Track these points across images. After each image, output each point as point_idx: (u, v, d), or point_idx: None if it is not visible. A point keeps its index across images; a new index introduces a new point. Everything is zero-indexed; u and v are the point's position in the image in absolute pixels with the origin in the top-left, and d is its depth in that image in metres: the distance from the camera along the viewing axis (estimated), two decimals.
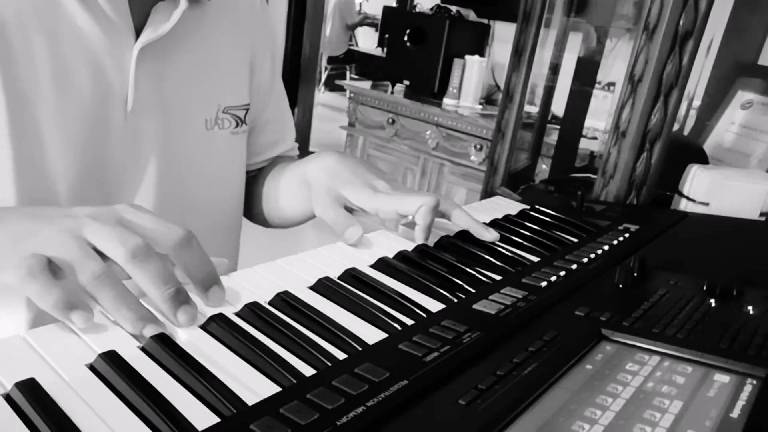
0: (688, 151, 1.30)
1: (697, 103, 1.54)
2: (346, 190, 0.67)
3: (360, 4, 6.53)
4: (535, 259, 0.65)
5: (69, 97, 0.58)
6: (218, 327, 0.44)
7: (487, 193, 1.37)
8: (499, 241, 0.69)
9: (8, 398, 0.35)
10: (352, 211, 0.68)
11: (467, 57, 2.44)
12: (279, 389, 0.38)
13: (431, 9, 2.72)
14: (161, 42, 0.62)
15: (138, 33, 0.61)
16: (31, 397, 0.34)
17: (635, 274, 0.59)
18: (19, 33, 0.55)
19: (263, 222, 0.85)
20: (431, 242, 0.67)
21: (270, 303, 0.49)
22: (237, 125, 0.72)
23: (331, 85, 5.82)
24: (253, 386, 0.38)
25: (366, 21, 6.47)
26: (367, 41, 6.63)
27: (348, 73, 6.18)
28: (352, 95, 2.72)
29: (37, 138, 0.57)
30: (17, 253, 0.42)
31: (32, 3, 0.55)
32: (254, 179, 0.83)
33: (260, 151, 0.82)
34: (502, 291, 0.55)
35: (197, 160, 0.69)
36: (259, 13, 0.77)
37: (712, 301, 0.55)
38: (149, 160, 0.65)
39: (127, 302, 0.42)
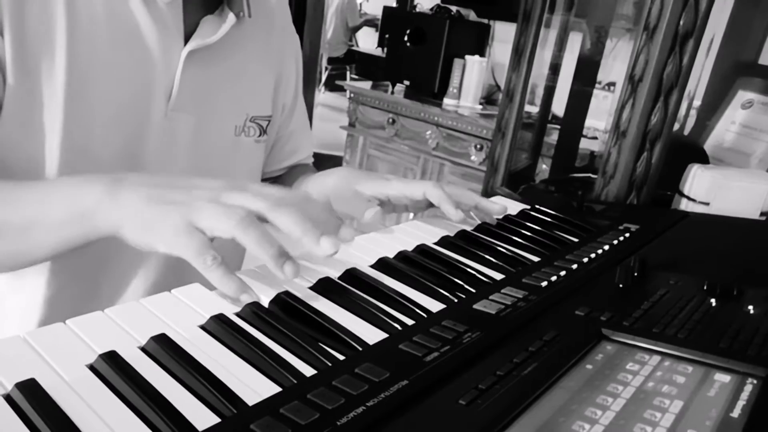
0: (688, 151, 1.30)
1: (697, 103, 1.54)
2: (361, 185, 0.74)
3: (360, 4, 6.52)
4: (536, 258, 0.65)
5: (120, 85, 0.64)
6: (218, 327, 0.44)
7: (487, 193, 1.37)
8: (499, 240, 0.69)
9: (8, 398, 0.35)
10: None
11: (467, 57, 2.43)
12: (279, 389, 0.38)
13: (431, 9, 2.71)
14: (207, 49, 0.68)
15: (186, 39, 0.67)
16: (32, 397, 0.34)
17: (635, 274, 0.59)
18: (87, 18, 0.61)
19: None
20: (431, 242, 0.67)
21: (270, 303, 0.49)
22: (260, 134, 0.78)
23: (332, 85, 5.81)
24: (253, 386, 0.38)
25: (367, 22, 6.47)
26: (367, 41, 6.62)
27: (348, 73, 6.18)
28: (352, 95, 2.71)
29: (87, 116, 0.62)
30: (170, 219, 0.47)
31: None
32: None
33: (284, 158, 0.88)
34: (502, 291, 0.55)
35: (224, 163, 0.75)
36: (290, 31, 0.84)
37: (712, 301, 0.55)
38: (181, 158, 0.70)
39: (271, 241, 0.47)
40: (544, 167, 1.59)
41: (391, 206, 0.74)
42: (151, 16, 0.64)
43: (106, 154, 0.64)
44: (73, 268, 0.68)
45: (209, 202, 0.48)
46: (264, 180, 0.89)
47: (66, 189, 0.52)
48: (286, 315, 0.47)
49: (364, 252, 0.62)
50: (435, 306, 0.52)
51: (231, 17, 0.69)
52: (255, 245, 0.47)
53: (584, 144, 1.54)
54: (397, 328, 0.47)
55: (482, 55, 2.51)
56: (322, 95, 5.83)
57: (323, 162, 0.96)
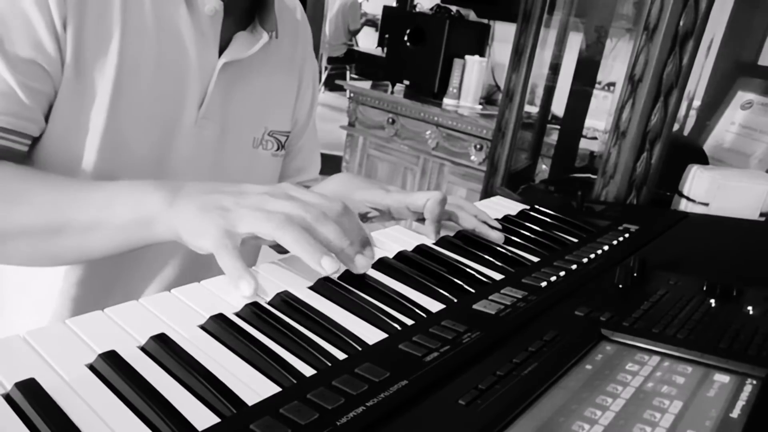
0: (688, 151, 1.30)
1: (697, 103, 1.54)
2: (360, 195, 0.73)
3: (360, 3, 6.52)
4: (535, 259, 0.65)
5: (160, 90, 0.66)
6: (218, 327, 0.44)
7: (487, 193, 1.37)
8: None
9: (8, 398, 0.35)
10: (366, 218, 0.74)
11: (467, 57, 2.43)
12: (279, 389, 0.38)
13: (431, 9, 2.71)
14: (238, 63, 0.71)
15: (219, 53, 0.69)
16: (31, 397, 0.34)
17: (635, 274, 0.59)
18: (139, 23, 0.63)
19: None
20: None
21: (270, 303, 0.49)
22: (278, 149, 0.80)
23: (331, 85, 5.81)
24: (253, 386, 0.38)
25: (367, 22, 6.47)
26: (367, 41, 6.62)
27: (348, 73, 6.18)
28: (352, 95, 2.71)
29: (127, 117, 0.64)
30: (215, 223, 0.49)
31: (153, 2, 0.64)
32: None
33: (289, 174, 0.88)
34: (502, 291, 0.55)
35: (244, 173, 0.77)
36: (310, 52, 0.86)
37: (712, 301, 0.55)
38: (206, 165, 0.72)
39: (307, 238, 0.49)
40: (544, 167, 1.59)
41: (390, 215, 0.74)
42: (194, 26, 0.66)
43: (139, 156, 0.66)
44: (91, 264, 0.68)
45: (253, 209, 0.50)
46: None
47: (130, 194, 0.54)
48: (286, 315, 0.47)
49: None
50: (435, 306, 0.52)
51: (265, 36, 0.72)
52: (293, 243, 0.49)
53: (584, 144, 1.54)
54: (396, 328, 0.47)
55: (482, 55, 2.51)
56: (322, 95, 5.83)
57: (323, 162, 0.95)
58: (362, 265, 0.53)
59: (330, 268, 0.49)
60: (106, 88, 0.62)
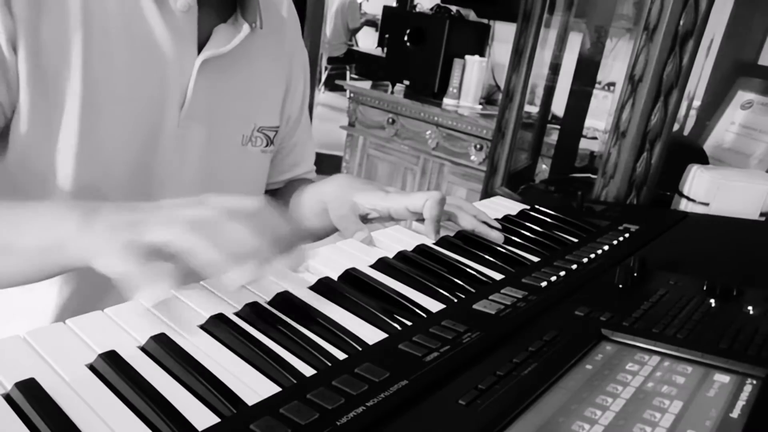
0: (688, 151, 1.30)
1: (697, 103, 1.54)
2: (359, 197, 0.72)
3: (360, 3, 6.52)
4: (535, 259, 0.65)
5: (135, 94, 0.63)
6: (218, 327, 0.44)
7: (487, 193, 1.37)
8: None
9: (8, 398, 0.35)
10: (366, 219, 0.73)
11: (467, 57, 2.43)
12: (279, 389, 0.38)
13: (431, 9, 2.71)
14: (220, 59, 0.68)
15: (199, 48, 0.67)
16: (31, 397, 0.34)
17: (635, 274, 0.59)
18: (103, 28, 0.60)
19: None
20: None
21: (270, 303, 0.49)
22: (267, 145, 0.78)
23: (331, 85, 5.80)
24: (253, 386, 0.38)
25: (367, 22, 6.47)
26: (367, 41, 6.62)
27: (348, 73, 6.17)
28: (352, 95, 2.71)
29: (102, 127, 0.62)
30: (122, 240, 0.44)
31: (118, 4, 0.61)
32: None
33: (285, 170, 0.87)
34: (502, 291, 0.55)
35: (232, 172, 0.75)
36: (299, 44, 0.84)
37: (712, 301, 0.55)
38: (192, 166, 0.70)
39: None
40: (544, 167, 1.59)
41: (390, 217, 0.73)
42: (166, 24, 0.63)
43: (120, 164, 0.64)
44: (83, 275, 0.67)
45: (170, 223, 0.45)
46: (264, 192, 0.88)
47: (43, 216, 0.50)
48: (286, 315, 0.47)
49: (364, 252, 0.62)
50: (435, 306, 0.52)
51: (245, 28, 0.69)
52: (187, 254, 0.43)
53: (584, 144, 1.55)
54: (397, 328, 0.47)
55: (482, 55, 2.51)
56: (322, 95, 5.82)
57: (323, 162, 0.96)
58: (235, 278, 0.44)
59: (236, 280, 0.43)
60: (73, 104, 0.59)
